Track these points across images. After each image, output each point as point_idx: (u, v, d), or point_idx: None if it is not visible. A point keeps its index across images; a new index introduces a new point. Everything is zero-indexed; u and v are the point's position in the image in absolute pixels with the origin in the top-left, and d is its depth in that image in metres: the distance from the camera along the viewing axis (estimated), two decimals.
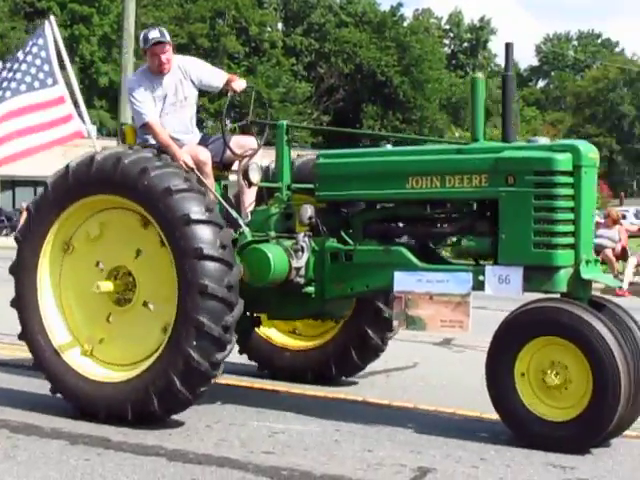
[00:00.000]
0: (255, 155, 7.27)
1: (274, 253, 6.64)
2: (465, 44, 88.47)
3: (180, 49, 63.01)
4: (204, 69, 7.51)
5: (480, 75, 6.56)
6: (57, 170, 6.73)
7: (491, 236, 6.27)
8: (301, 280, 6.77)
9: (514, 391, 6.02)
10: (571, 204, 6.05)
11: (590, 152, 6.14)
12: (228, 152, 7.27)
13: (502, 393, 6.04)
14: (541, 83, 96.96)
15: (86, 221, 6.72)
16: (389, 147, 7.05)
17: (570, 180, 6.03)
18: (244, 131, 7.49)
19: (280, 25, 73.94)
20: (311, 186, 7.05)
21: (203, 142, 7.41)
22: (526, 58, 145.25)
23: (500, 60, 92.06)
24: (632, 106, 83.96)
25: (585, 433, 5.86)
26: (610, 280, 7.14)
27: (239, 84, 7.41)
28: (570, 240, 6.05)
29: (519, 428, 6.03)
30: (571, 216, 6.06)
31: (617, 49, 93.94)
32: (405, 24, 76.61)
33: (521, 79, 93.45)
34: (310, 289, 6.82)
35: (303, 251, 6.73)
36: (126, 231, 6.62)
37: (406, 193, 6.51)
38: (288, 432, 6.32)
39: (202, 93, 7.70)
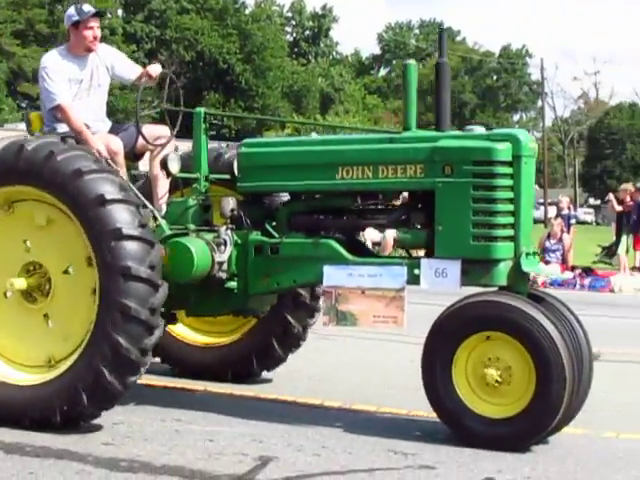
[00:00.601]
0: (168, 145, 6.99)
1: (197, 247, 6.37)
2: (307, 32, 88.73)
3: (18, 35, 61.18)
4: (119, 58, 7.26)
5: (412, 61, 6.41)
6: None
7: (427, 228, 6.13)
8: (224, 275, 6.52)
9: (452, 389, 5.89)
10: (511, 195, 5.94)
11: (530, 142, 6.04)
12: (140, 142, 6.97)
13: (439, 391, 5.90)
14: (383, 71, 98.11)
15: None
16: (315, 136, 6.82)
17: (510, 170, 5.92)
18: (156, 120, 7.19)
19: (120, 11, 72.53)
20: (227, 177, 6.83)
21: (114, 131, 7.10)
22: (368, 46, 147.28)
23: (342, 48, 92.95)
24: (473, 94, 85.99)
25: (527, 430, 5.75)
26: (550, 272, 7.14)
27: (154, 68, 7.14)
28: (510, 232, 5.94)
29: (458, 426, 5.91)
30: (511, 207, 5.94)
31: (459, 38, 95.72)
32: (247, 12, 76.30)
33: (363, 67, 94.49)
34: (233, 284, 6.58)
35: (226, 245, 6.48)
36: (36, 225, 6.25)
37: (336, 184, 6.32)
38: (128, 423, 6.19)
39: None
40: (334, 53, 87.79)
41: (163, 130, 7.06)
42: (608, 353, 9.16)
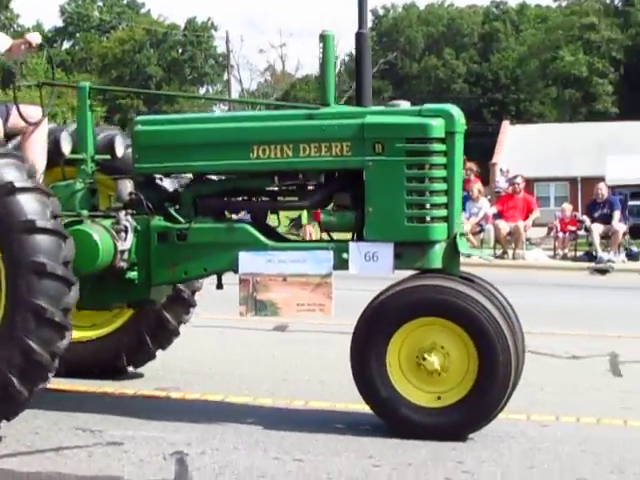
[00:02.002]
0: (42, 124, 6.40)
1: (100, 235, 5.90)
2: None
3: None
4: None
5: (331, 32, 6.09)
6: None
7: (355, 210, 5.88)
8: (124, 264, 6.06)
9: (387, 378, 5.66)
10: (444, 173, 5.77)
11: (461, 117, 5.89)
12: (12, 121, 6.36)
13: (374, 381, 5.66)
14: (66, 44, 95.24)
15: None
16: (217, 112, 6.39)
17: (443, 148, 5.75)
18: None
19: None
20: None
21: None
22: (50, 19, 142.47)
23: (23, 20, 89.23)
24: (159, 67, 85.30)
25: (468, 419, 5.60)
26: (483, 254, 7.03)
27: (34, 36, 6.50)
28: (444, 212, 5.77)
29: (394, 417, 5.68)
30: (445, 186, 5.78)
31: (143, 10, 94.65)
32: None
33: (46, 40, 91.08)
34: (133, 274, 6.14)
35: (127, 232, 6.02)
36: None
37: (250, 164, 5.94)
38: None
39: None
40: (15, 26, 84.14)
41: (35, 111, 6.47)
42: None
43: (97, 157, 6.45)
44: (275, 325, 9.79)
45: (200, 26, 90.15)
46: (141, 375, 7.31)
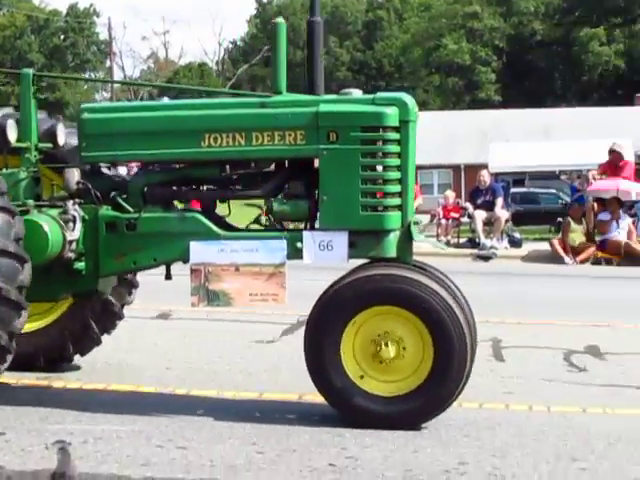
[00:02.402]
0: None
1: (50, 225, 5.80)
2: None
3: None
4: None
5: (281, 20, 6.09)
6: None
7: (309, 199, 5.87)
8: (72, 255, 5.96)
9: (342, 368, 5.64)
10: (398, 162, 5.77)
11: (414, 106, 5.90)
12: None
13: (326, 371, 5.63)
14: None
15: None
16: (166, 100, 6.29)
17: (397, 136, 5.75)
18: None
19: None
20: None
21: None
22: None
23: None
24: (40, 54, 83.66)
25: (423, 408, 5.62)
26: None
27: None
28: (398, 201, 5.77)
29: (349, 407, 5.67)
30: (398, 175, 5.77)
31: None
32: None
33: None
34: (81, 265, 6.03)
35: (75, 222, 5.91)
36: None
37: (201, 152, 5.87)
38: None
39: None
40: None
41: None
42: None
43: (44, 145, 6.35)
44: (158, 313, 9.89)
45: (82, 12, 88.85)
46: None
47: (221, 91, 6.35)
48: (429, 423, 5.68)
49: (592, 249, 18.44)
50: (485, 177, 21.49)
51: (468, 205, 21.70)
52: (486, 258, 19.09)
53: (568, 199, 27.27)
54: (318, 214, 5.80)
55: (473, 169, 35.82)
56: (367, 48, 77.13)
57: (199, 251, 5.81)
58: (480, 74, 70.04)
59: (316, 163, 5.94)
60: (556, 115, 54.66)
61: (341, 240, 5.73)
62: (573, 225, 18.97)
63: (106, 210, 5.98)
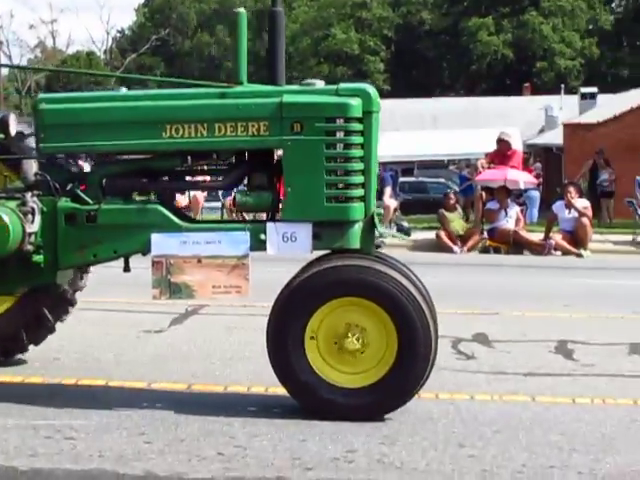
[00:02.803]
0: None
1: (9, 217, 5.69)
2: None
3: None
4: None
5: (243, 10, 6.00)
6: None
7: (272, 190, 5.87)
8: (31, 248, 5.86)
9: (307, 360, 5.65)
10: (362, 153, 5.77)
11: (377, 97, 5.90)
12: None
13: (292, 364, 5.64)
14: None
15: None
16: (124, 90, 6.18)
17: (361, 127, 5.75)
18: None
19: None
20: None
21: None
22: None
23: None
24: None
25: (388, 398, 5.65)
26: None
27: None
28: (362, 192, 5.78)
29: (314, 400, 5.66)
30: (362, 166, 5.78)
31: None
32: None
33: None
34: (39, 258, 5.92)
35: (34, 214, 5.80)
36: None
37: (162, 144, 5.81)
38: None
39: None
40: None
41: None
42: None
43: None
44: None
45: None
46: None
47: (183, 81, 6.24)
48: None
49: (477, 236, 18.58)
50: None
51: None
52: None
53: (457, 188, 27.57)
54: (282, 205, 5.80)
55: None
56: (256, 37, 76.94)
57: (160, 243, 5.76)
58: (369, 63, 70.55)
59: (277, 154, 5.97)
60: (445, 104, 55.39)
61: (305, 231, 5.72)
62: (449, 215, 19.16)
63: (65, 202, 5.89)
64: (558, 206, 18.72)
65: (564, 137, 41.42)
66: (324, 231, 5.74)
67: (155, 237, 5.76)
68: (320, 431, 5.38)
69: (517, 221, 18.53)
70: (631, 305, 10.49)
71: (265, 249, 5.77)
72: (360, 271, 5.63)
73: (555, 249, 17.66)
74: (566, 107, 49.71)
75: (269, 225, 5.77)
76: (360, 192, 5.77)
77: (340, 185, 5.70)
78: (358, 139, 5.74)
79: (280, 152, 5.90)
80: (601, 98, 48.33)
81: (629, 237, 20.21)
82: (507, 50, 66.30)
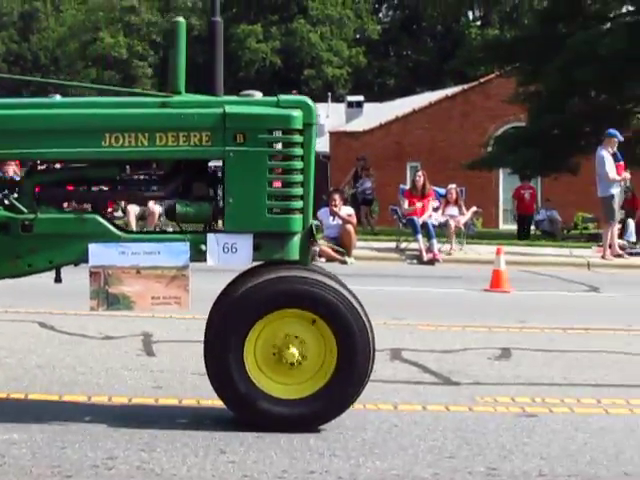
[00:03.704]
0: None
1: None
2: None
3: None
4: None
5: (182, 19, 5.95)
6: None
7: (213, 200, 5.81)
8: None
9: (246, 372, 5.62)
10: (302, 165, 5.80)
11: (316, 109, 5.97)
12: None
13: (232, 376, 5.59)
14: None
15: None
16: (58, 97, 5.96)
17: (301, 139, 5.78)
18: None
19: None
20: None
21: None
22: None
23: None
24: None
25: (325, 409, 5.66)
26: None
27: None
28: (301, 204, 5.80)
29: (252, 412, 5.63)
30: (301, 178, 5.81)
31: None
32: None
33: None
34: None
35: None
36: None
37: (101, 152, 5.68)
38: None
39: None
40: None
41: None
42: None
43: None
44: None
45: None
46: None
47: (115, 89, 6.10)
48: (92, 419, 5.78)
49: None
50: None
51: None
52: None
53: None
54: (222, 216, 5.74)
55: None
56: (23, 40, 74.56)
57: (99, 253, 5.64)
58: (137, 68, 69.72)
59: (212, 164, 5.93)
60: None
61: (246, 242, 5.70)
62: None
63: None
64: (322, 213, 18.90)
65: (330, 145, 42.38)
66: (264, 242, 5.73)
67: (93, 247, 5.63)
68: (80, 438, 5.36)
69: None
70: (392, 311, 10.71)
71: (205, 260, 5.72)
72: (300, 282, 5.64)
73: (320, 256, 17.09)
74: (333, 115, 50.60)
75: (209, 236, 5.72)
76: (300, 204, 5.79)
77: (281, 197, 5.72)
78: (299, 151, 5.77)
79: (215, 162, 5.87)
80: (367, 107, 49.71)
81: (393, 244, 20.64)
82: (275, 57, 67.05)
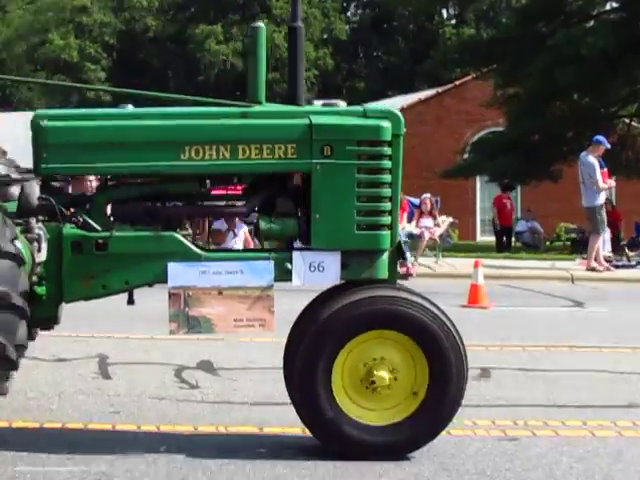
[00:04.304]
0: None
1: (23, 246, 5.45)
2: None
3: None
4: None
5: (262, 24, 5.92)
6: None
7: (298, 216, 5.81)
8: (35, 279, 5.65)
9: (334, 397, 5.63)
10: (390, 179, 5.79)
11: (403, 119, 5.93)
12: None
13: (318, 401, 5.60)
14: None
15: None
16: (130, 107, 5.94)
17: (390, 151, 5.77)
18: None
19: None
20: None
21: None
22: None
23: None
24: None
25: (415, 436, 5.69)
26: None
27: None
28: (389, 219, 5.78)
29: (335, 438, 5.65)
30: (390, 192, 5.79)
31: None
32: None
33: None
34: (42, 289, 5.69)
35: (40, 241, 5.56)
36: None
37: (181, 166, 5.67)
38: None
39: None
40: None
41: None
42: None
43: None
44: None
45: None
46: None
47: (194, 99, 6.13)
48: (45, 447, 5.75)
49: None
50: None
51: None
52: None
53: None
54: (308, 233, 5.75)
55: None
56: None
57: (178, 273, 5.65)
58: (89, 72, 69.37)
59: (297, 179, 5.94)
60: None
61: (333, 261, 5.72)
62: None
63: (71, 229, 5.67)
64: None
65: None
66: (352, 260, 5.74)
67: (172, 267, 5.63)
68: (32, 469, 5.34)
69: (246, 241, 18.57)
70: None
71: (290, 279, 5.72)
72: (390, 301, 5.65)
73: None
74: None
75: (295, 254, 5.73)
76: (389, 219, 5.79)
77: (370, 212, 5.72)
78: (388, 163, 5.76)
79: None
80: None
81: None
82: (237, 59, 66.89)
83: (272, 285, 5.70)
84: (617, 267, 20.24)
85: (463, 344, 5.73)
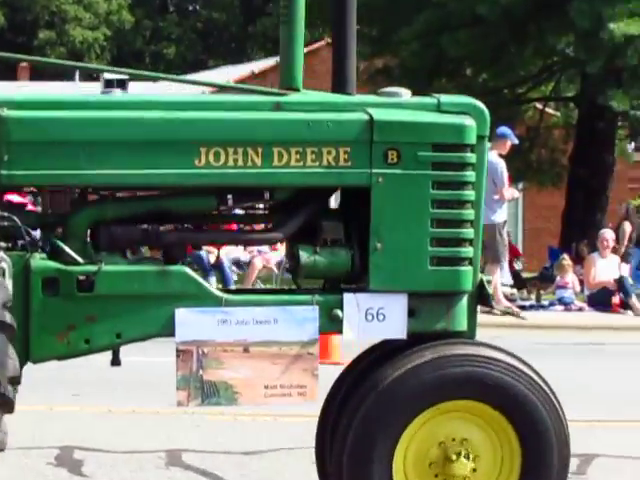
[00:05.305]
0: None
1: None
2: None
3: None
4: None
5: None
6: None
7: (352, 246, 4.85)
8: None
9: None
10: (474, 196, 4.90)
11: (488, 116, 5.07)
12: None
13: None
14: None
15: None
16: (119, 92, 5.02)
17: (474, 159, 4.87)
18: None
19: None
20: None
21: None
22: None
23: None
24: None
25: None
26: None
27: None
28: (471, 252, 4.90)
29: None
30: (472, 215, 4.89)
31: None
32: None
33: None
34: None
35: (4, 275, 4.61)
36: None
37: (194, 175, 4.71)
38: None
39: None
40: None
41: None
42: None
43: None
44: None
45: None
46: None
47: (212, 84, 5.26)
48: None
49: None
50: None
51: None
52: None
53: None
54: (365, 268, 4.88)
55: None
56: None
57: (189, 323, 4.74)
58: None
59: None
60: None
61: (398, 306, 4.85)
62: None
63: (41, 260, 4.64)
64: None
65: None
66: (423, 306, 4.87)
67: (182, 314, 4.71)
68: None
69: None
70: None
71: (340, 331, 4.85)
72: (471, 363, 4.85)
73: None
74: None
75: (348, 297, 4.82)
76: (470, 252, 4.90)
77: (448, 241, 4.84)
78: (471, 176, 4.85)
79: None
80: (136, 88, 48.84)
81: None
82: None
83: (316, 339, 4.83)
84: (523, 308, 18.33)
85: (565, 417, 4.94)
